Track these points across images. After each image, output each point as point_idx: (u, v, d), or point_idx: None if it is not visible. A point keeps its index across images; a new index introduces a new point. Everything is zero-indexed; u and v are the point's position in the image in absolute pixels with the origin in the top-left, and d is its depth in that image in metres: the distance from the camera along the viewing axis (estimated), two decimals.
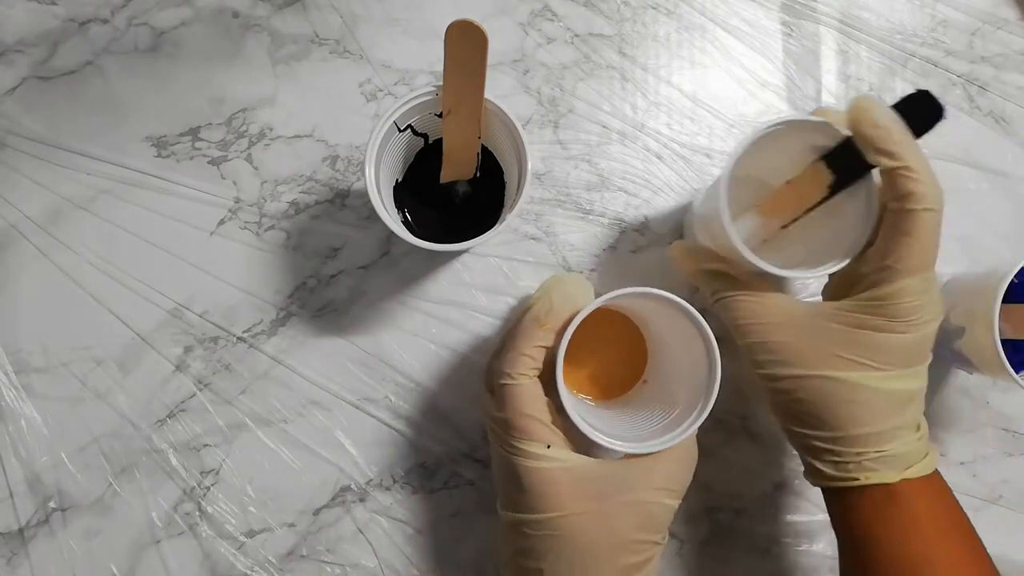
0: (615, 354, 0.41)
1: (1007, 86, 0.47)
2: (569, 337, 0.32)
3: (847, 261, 0.34)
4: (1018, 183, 0.46)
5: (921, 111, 0.32)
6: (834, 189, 0.34)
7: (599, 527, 0.31)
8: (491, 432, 0.34)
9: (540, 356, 0.32)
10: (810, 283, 0.44)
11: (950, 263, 0.44)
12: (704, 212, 0.39)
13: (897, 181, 0.31)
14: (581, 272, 0.44)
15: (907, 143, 0.31)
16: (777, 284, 0.39)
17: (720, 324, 0.36)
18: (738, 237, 0.33)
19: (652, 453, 0.32)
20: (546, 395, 0.33)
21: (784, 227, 0.36)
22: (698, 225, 0.41)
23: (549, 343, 0.32)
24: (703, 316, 0.32)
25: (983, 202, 0.46)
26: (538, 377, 0.33)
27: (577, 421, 0.31)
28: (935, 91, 0.32)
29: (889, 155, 0.30)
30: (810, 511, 0.43)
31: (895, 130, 0.31)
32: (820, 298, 0.38)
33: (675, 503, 0.33)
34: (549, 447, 0.31)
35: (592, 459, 0.32)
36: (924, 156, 0.31)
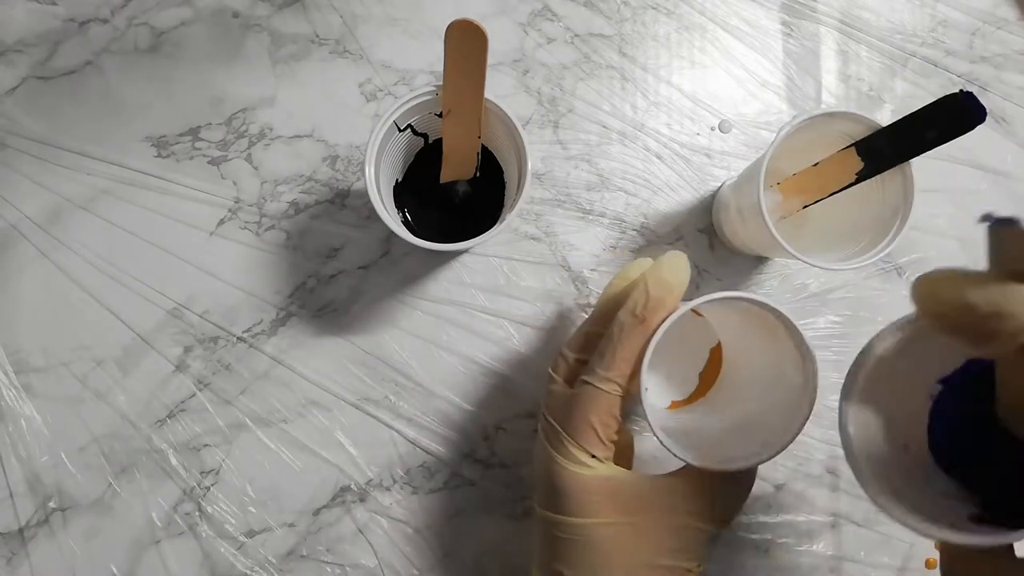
0: (690, 358, 0.40)
1: (1007, 86, 0.47)
2: (655, 344, 0.30)
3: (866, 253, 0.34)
4: (1018, 183, 0.46)
5: (953, 115, 0.30)
6: (860, 177, 0.34)
7: (628, 542, 0.30)
8: (543, 424, 0.33)
9: (633, 360, 0.30)
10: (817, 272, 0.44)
11: (950, 263, 0.44)
12: (734, 196, 0.40)
13: None
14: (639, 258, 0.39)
15: None
16: None
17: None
18: (769, 217, 0.33)
19: (702, 473, 0.31)
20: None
21: (804, 207, 0.36)
22: (726, 209, 0.41)
23: (645, 339, 0.31)
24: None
25: (983, 202, 0.46)
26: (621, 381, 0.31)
27: (655, 429, 0.30)
28: (939, 93, 0.31)
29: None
30: (810, 511, 0.43)
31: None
32: None
33: (714, 530, 0.31)
34: (594, 456, 0.31)
35: (635, 473, 0.31)
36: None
